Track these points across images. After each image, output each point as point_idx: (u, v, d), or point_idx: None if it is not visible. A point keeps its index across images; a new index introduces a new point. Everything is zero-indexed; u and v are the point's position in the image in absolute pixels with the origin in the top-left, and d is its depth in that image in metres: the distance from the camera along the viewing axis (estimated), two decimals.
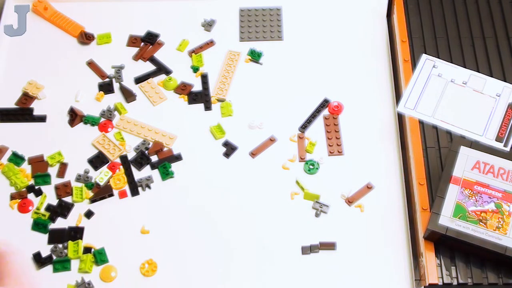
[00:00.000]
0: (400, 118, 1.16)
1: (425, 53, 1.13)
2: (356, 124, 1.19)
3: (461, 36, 1.15)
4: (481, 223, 0.92)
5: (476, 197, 0.94)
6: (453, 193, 0.95)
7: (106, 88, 1.24)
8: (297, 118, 1.20)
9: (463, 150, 0.98)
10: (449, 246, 0.95)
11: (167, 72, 1.26)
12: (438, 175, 1.01)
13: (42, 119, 1.21)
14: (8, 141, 1.18)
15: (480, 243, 0.91)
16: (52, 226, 1.10)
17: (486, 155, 0.98)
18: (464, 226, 0.92)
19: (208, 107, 1.22)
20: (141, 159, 1.16)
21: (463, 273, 0.94)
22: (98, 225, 1.10)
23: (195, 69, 1.26)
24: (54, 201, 1.12)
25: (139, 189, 1.13)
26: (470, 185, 0.95)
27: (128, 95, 1.23)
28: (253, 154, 1.16)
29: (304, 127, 1.19)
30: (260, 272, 1.06)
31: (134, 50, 1.29)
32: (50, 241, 1.09)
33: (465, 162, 0.97)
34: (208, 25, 1.31)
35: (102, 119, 1.21)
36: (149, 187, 1.14)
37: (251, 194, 1.13)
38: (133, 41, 1.30)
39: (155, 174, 1.15)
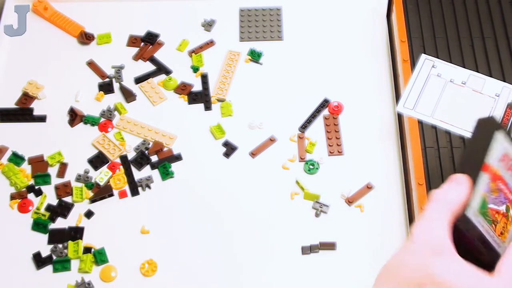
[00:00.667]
0: (400, 118, 1.16)
1: (424, 53, 1.13)
2: (356, 124, 1.19)
3: (460, 36, 1.15)
4: (493, 224, 0.75)
5: (498, 194, 0.77)
6: (482, 184, 0.74)
7: (106, 88, 1.24)
8: (297, 118, 1.20)
9: (498, 137, 0.78)
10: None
11: (167, 72, 1.26)
12: (437, 176, 1.01)
13: (42, 119, 1.21)
14: (8, 141, 1.19)
15: (487, 249, 0.81)
16: (52, 226, 1.10)
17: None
18: (482, 226, 0.73)
19: (208, 107, 1.22)
20: (141, 159, 1.16)
21: None
22: (98, 225, 1.10)
23: (195, 69, 1.26)
24: (54, 201, 1.13)
25: (139, 189, 1.13)
26: (496, 179, 0.76)
27: (128, 95, 1.23)
28: (253, 154, 1.16)
29: (304, 127, 1.19)
30: (260, 272, 1.06)
31: (134, 50, 1.29)
32: (50, 241, 1.09)
33: (498, 151, 0.77)
34: (208, 25, 1.31)
35: (102, 119, 1.21)
36: (149, 187, 1.14)
37: (251, 194, 1.13)
38: (133, 41, 1.30)
39: (155, 174, 1.15)
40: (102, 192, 1.13)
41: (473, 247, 0.73)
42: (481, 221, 0.73)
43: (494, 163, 0.76)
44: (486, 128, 0.78)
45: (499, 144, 0.77)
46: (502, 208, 0.77)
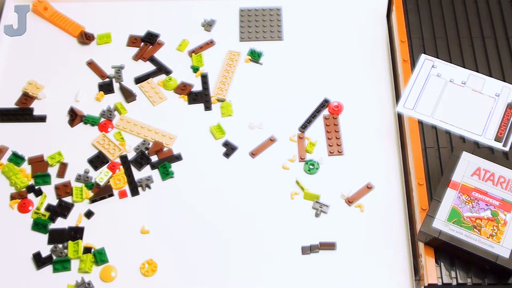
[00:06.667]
0: (400, 118, 1.16)
1: (424, 53, 1.13)
2: (356, 124, 1.19)
3: (460, 36, 1.15)
4: (475, 229, 0.92)
5: (473, 203, 0.94)
6: (450, 198, 0.95)
7: (106, 88, 1.24)
8: (297, 118, 1.20)
9: (465, 156, 0.98)
10: (447, 251, 0.95)
11: (167, 72, 1.26)
12: (438, 175, 1.01)
13: (42, 119, 1.21)
14: (8, 141, 1.19)
15: (472, 249, 0.91)
16: (52, 226, 1.10)
17: (487, 162, 0.98)
18: (457, 231, 0.92)
19: (208, 107, 1.22)
20: (141, 159, 1.16)
21: (463, 273, 0.94)
22: (98, 225, 1.10)
23: (195, 69, 1.26)
24: (54, 201, 1.13)
25: (139, 189, 1.13)
26: (468, 191, 0.95)
27: (128, 95, 1.23)
28: (253, 154, 1.16)
29: (304, 127, 1.19)
30: (260, 272, 1.06)
31: (134, 50, 1.29)
32: (50, 241, 1.09)
33: (466, 168, 0.97)
34: (208, 25, 1.31)
35: (102, 119, 1.21)
36: (149, 187, 1.14)
37: (251, 194, 1.13)
38: (133, 41, 1.30)
39: (155, 174, 1.15)
40: (102, 192, 1.13)
41: (451, 248, 0.93)
42: (455, 228, 0.92)
43: (462, 179, 0.96)
44: (457, 151, 0.98)
45: (466, 161, 0.97)
46: (486, 214, 0.93)
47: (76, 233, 1.09)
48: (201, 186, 1.13)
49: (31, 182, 1.14)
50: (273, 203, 1.12)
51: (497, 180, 0.96)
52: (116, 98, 1.24)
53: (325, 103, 1.21)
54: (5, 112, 1.22)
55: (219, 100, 1.22)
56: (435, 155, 1.04)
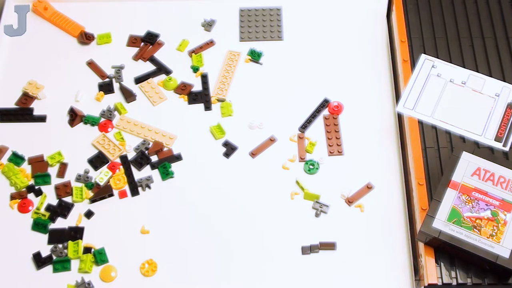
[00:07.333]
0: (400, 118, 1.16)
1: (424, 53, 1.13)
2: (356, 124, 1.19)
3: (460, 36, 1.15)
4: (475, 229, 0.92)
5: (473, 203, 0.94)
6: (450, 198, 0.95)
7: (106, 88, 1.24)
8: (297, 118, 1.20)
9: (465, 156, 0.98)
10: (447, 251, 0.95)
11: (167, 72, 1.26)
12: (438, 175, 1.01)
13: (42, 119, 1.21)
14: (8, 141, 1.19)
15: (472, 249, 0.91)
16: (52, 226, 1.10)
17: (487, 162, 0.98)
18: (457, 231, 0.92)
19: (208, 107, 1.22)
20: (141, 159, 1.16)
21: (463, 273, 0.94)
22: (98, 225, 1.10)
23: (195, 69, 1.26)
24: (54, 201, 1.13)
25: (139, 189, 1.13)
26: (468, 191, 0.95)
27: (128, 95, 1.23)
28: (253, 154, 1.16)
29: (304, 127, 1.19)
30: (260, 272, 1.06)
31: (134, 50, 1.29)
32: (50, 241, 1.09)
33: (466, 168, 0.97)
34: (208, 25, 1.31)
35: (102, 119, 1.21)
36: (149, 187, 1.14)
37: (251, 194, 1.13)
38: (133, 41, 1.30)
39: (155, 174, 1.15)
40: (102, 192, 1.13)
41: (451, 248, 0.93)
42: (455, 228, 0.92)
43: (462, 179, 0.96)
44: (457, 151, 0.98)
45: (466, 161, 0.97)
46: (486, 214, 0.93)
47: (76, 233, 1.09)
48: (201, 186, 1.13)
49: (31, 182, 1.14)
50: (273, 203, 1.12)
51: (497, 180, 0.96)
52: (116, 98, 1.24)
53: (325, 103, 1.21)
54: (5, 112, 1.22)
55: (219, 100, 1.22)
56: (435, 155, 1.04)
